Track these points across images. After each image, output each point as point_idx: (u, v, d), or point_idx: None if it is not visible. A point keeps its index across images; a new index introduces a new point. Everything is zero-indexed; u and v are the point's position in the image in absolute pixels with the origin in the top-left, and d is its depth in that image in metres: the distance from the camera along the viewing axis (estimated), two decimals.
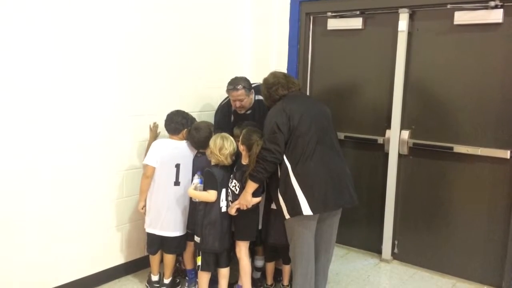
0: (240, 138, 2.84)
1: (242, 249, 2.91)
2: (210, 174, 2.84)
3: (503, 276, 3.21)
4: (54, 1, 2.73)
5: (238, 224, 2.91)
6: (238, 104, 3.27)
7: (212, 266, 2.91)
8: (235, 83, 3.23)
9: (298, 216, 2.62)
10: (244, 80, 3.27)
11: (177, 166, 3.03)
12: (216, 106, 3.62)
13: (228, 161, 2.87)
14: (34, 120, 2.72)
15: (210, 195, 2.82)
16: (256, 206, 2.88)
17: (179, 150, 3.07)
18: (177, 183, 3.03)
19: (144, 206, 3.08)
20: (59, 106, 2.83)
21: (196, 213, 2.93)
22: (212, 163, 2.89)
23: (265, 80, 2.89)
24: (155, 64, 3.35)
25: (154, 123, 3.27)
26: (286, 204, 2.64)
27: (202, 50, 3.69)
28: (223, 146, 2.83)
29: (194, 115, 3.30)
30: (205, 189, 2.84)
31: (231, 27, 3.97)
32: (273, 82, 2.82)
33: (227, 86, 3.26)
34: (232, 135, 3.02)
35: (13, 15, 2.57)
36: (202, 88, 3.72)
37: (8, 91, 2.59)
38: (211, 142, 2.87)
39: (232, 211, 2.82)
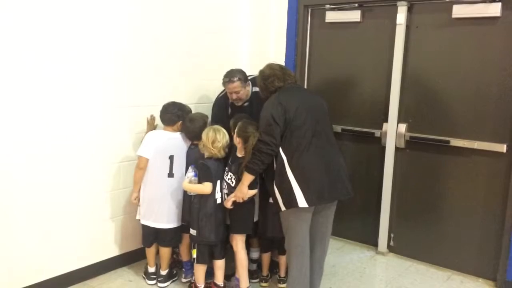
0: (236, 130, 2.83)
1: (239, 242, 2.91)
2: (204, 166, 2.83)
3: (498, 269, 3.22)
4: None
5: (234, 217, 2.91)
6: (234, 96, 3.26)
7: (207, 258, 2.92)
8: (230, 75, 3.22)
9: (294, 208, 2.62)
10: (240, 72, 3.26)
11: (171, 157, 3.02)
12: (213, 98, 3.61)
13: (221, 154, 2.87)
14: (30, 111, 2.71)
15: (205, 187, 2.82)
16: (252, 199, 2.88)
17: (173, 142, 3.06)
18: (170, 174, 3.03)
19: (137, 197, 3.08)
20: (55, 97, 2.82)
21: (192, 206, 2.92)
22: (206, 156, 2.88)
23: (261, 71, 2.88)
24: (152, 55, 3.33)
25: (152, 116, 3.27)
26: (282, 196, 2.64)
27: (200, 41, 3.68)
28: (215, 139, 2.82)
29: (191, 107, 3.30)
30: (200, 181, 2.84)
31: (229, 19, 3.95)
32: (269, 74, 2.81)
33: (223, 79, 3.25)
34: (229, 127, 3.02)
35: (9, 6, 2.55)
36: (200, 80, 3.71)
37: (4, 82, 2.58)
38: (204, 135, 2.86)
39: (228, 204, 2.82)
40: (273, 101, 2.70)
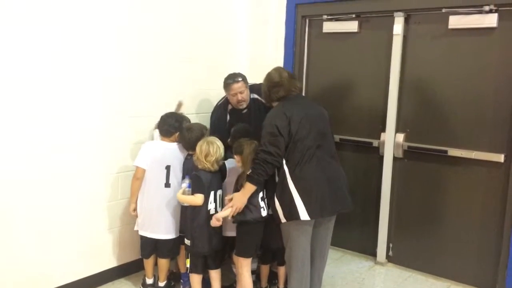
0: (233, 151, 2.81)
1: (244, 265, 2.82)
2: (197, 178, 2.81)
3: (497, 279, 3.22)
4: None
5: (239, 239, 2.84)
6: (239, 97, 3.27)
7: (200, 268, 2.90)
8: (234, 76, 3.27)
9: (295, 221, 2.60)
10: (241, 74, 3.33)
11: (168, 167, 3.01)
12: (212, 107, 3.61)
13: (214, 168, 2.83)
14: (29, 119, 2.70)
15: (197, 199, 2.78)
16: (262, 221, 2.79)
17: (169, 152, 3.05)
18: (167, 184, 3.01)
19: (135, 208, 3.06)
20: (54, 106, 2.81)
21: (185, 216, 2.92)
22: (199, 168, 2.86)
23: (270, 77, 2.81)
24: (151, 65, 3.34)
25: (179, 101, 3.35)
26: (283, 208, 2.62)
27: (198, 52, 3.69)
28: (208, 153, 2.79)
29: (190, 116, 3.30)
30: (192, 193, 2.81)
31: (228, 30, 3.97)
32: (277, 82, 2.75)
33: (226, 81, 3.26)
34: (228, 135, 3.01)
35: (11, 10, 2.55)
36: (199, 90, 3.71)
37: (4, 89, 2.57)
38: (198, 148, 2.83)
39: (217, 220, 2.71)
40: (277, 111, 2.67)
